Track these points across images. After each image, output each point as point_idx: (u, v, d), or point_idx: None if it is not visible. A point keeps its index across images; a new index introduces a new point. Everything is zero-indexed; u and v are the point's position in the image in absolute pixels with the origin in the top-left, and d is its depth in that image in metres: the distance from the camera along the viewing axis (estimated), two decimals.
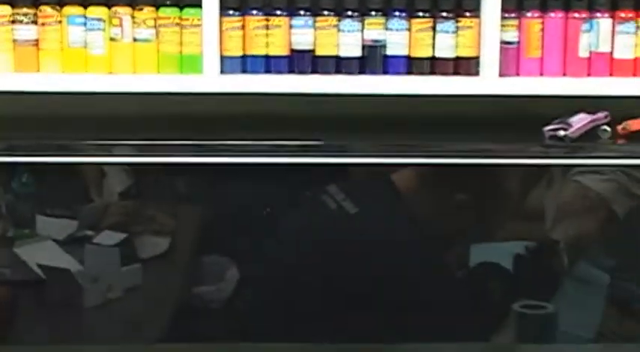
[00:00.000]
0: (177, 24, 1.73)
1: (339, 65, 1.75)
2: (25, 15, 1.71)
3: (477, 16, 1.76)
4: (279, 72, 1.75)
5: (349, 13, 1.75)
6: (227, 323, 1.84)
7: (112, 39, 1.72)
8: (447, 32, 1.72)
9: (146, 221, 1.82)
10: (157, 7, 1.75)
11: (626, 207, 1.84)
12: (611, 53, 1.80)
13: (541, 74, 1.82)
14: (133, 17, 1.73)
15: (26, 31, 1.72)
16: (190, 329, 1.83)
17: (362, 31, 1.73)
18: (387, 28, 1.73)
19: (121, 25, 1.72)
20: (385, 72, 1.76)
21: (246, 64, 1.74)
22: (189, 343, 1.87)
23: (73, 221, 1.75)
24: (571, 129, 1.75)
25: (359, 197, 1.78)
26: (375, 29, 1.73)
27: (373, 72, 1.75)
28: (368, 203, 1.78)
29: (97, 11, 1.72)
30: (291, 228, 1.80)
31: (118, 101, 1.78)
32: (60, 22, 1.73)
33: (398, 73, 1.75)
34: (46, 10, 1.72)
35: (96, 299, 1.77)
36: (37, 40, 1.72)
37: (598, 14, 1.77)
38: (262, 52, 1.73)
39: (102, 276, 1.79)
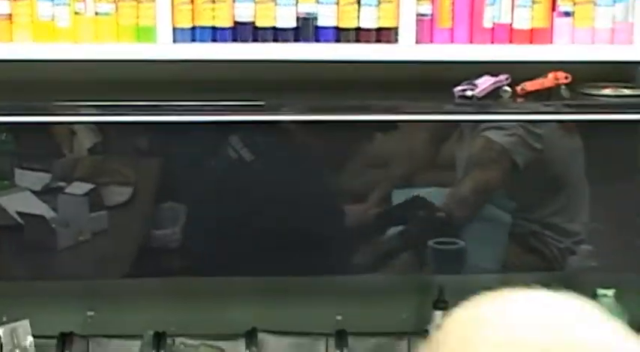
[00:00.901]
0: None
1: (276, 35, 1.87)
2: None
3: None
4: (224, 41, 1.87)
5: None
6: (181, 260, 2.02)
7: (76, 13, 1.83)
8: (370, 5, 1.86)
9: (111, 173, 1.96)
10: None
11: (525, 157, 2.01)
12: (511, 24, 1.93)
13: (451, 42, 1.94)
14: None
15: (0, 7, 1.83)
16: (150, 266, 2.01)
17: (296, 4, 1.86)
18: (318, 2, 1.86)
19: (84, 1, 1.83)
20: (317, 40, 1.88)
21: (195, 34, 1.86)
22: (149, 278, 2.05)
23: (47, 174, 1.90)
24: (477, 90, 1.90)
25: (292, 150, 1.95)
26: (307, 3, 1.86)
27: (306, 40, 1.87)
28: (299, 153, 1.96)
29: None
30: (230, 177, 1.95)
31: (83, 68, 1.90)
32: None
33: (328, 41, 1.88)
34: None
35: (68, 241, 1.92)
36: (10, 14, 1.83)
37: None
38: (209, 23, 1.86)
39: (73, 222, 1.94)
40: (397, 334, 2.05)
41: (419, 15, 1.91)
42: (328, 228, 2.03)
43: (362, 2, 1.89)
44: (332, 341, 2.00)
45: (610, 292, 2.12)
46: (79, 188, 1.91)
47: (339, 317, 2.02)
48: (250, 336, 2.04)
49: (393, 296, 2.05)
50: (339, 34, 1.91)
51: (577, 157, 2.09)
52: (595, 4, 1.96)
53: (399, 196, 2.05)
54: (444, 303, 1.95)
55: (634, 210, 2.12)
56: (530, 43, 1.97)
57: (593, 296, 2.06)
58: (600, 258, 2.15)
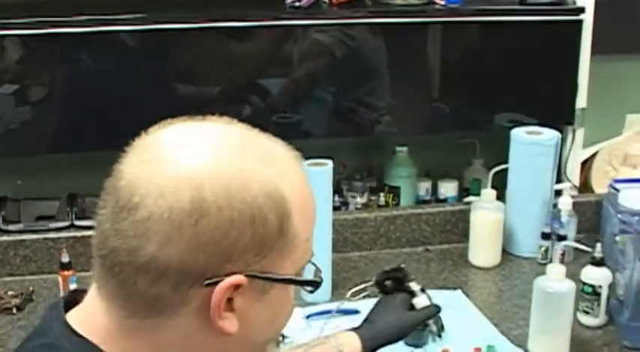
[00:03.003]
0: None
1: None
2: None
3: None
4: None
5: None
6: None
7: None
8: None
9: (32, 77, 2.20)
10: None
11: (342, 51, 2.35)
12: None
13: None
14: None
15: None
16: (60, 143, 2.25)
17: None
18: None
19: None
20: None
21: None
22: (63, 152, 2.28)
23: None
24: (303, 1, 2.25)
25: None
26: None
27: None
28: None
29: None
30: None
31: None
32: None
33: None
34: None
35: (1, 128, 2.18)
36: None
37: None
38: None
39: (5, 115, 2.20)
40: None
41: None
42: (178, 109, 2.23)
43: None
44: None
45: (404, 149, 2.53)
46: (9, 88, 2.16)
47: None
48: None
49: None
50: None
51: (380, 51, 2.39)
52: None
53: (248, 86, 2.34)
54: None
55: (421, 91, 2.50)
56: None
57: (393, 152, 2.53)
58: (398, 125, 2.49)
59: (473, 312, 2.12)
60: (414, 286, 1.77)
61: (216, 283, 0.88)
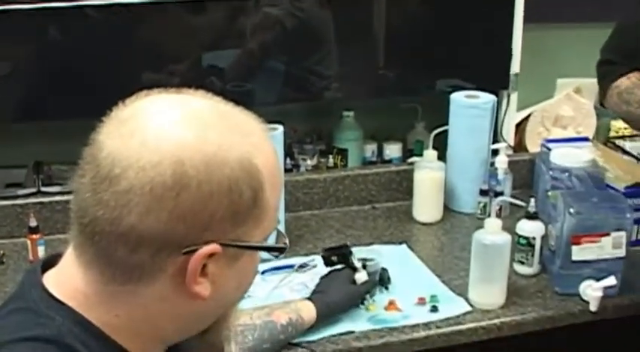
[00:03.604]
0: None
1: None
2: None
3: None
4: None
5: None
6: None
7: None
8: None
9: (9, 58, 2.27)
10: None
11: (292, 23, 2.41)
12: None
13: None
14: None
15: None
16: (23, 111, 2.27)
17: None
18: None
19: None
20: None
21: None
22: (27, 121, 2.31)
23: None
24: None
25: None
26: None
27: None
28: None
29: None
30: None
31: None
32: None
33: None
34: None
35: None
36: None
37: None
38: None
39: None
40: None
41: None
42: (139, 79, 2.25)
43: None
44: None
45: (351, 113, 2.60)
46: None
47: None
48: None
49: None
50: None
51: (328, 22, 2.46)
52: None
53: (204, 57, 2.38)
54: None
55: (367, 59, 2.57)
56: None
57: (340, 117, 2.62)
58: (345, 91, 2.57)
59: (417, 265, 2.20)
60: (356, 263, 1.94)
61: (194, 251, 0.91)
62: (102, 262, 0.93)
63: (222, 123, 0.94)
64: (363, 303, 1.95)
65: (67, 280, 0.97)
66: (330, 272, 1.93)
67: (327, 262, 1.95)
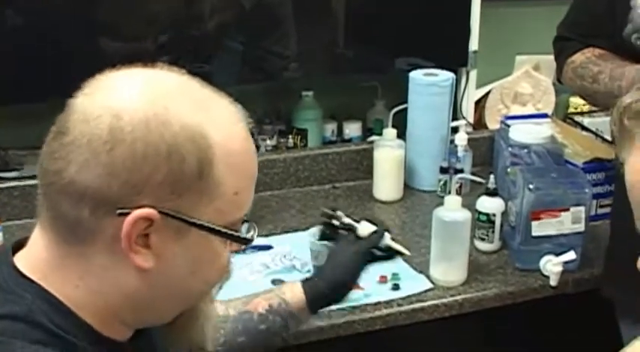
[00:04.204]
0: None
1: None
2: None
3: None
4: None
5: None
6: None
7: None
8: None
9: None
10: None
11: (250, 3, 2.44)
12: None
13: None
14: None
15: None
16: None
17: None
18: None
19: None
20: None
21: None
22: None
23: None
24: None
25: None
26: None
27: None
28: None
29: None
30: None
31: None
32: None
33: None
34: None
35: None
36: None
37: None
38: None
39: None
40: None
41: None
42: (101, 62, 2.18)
43: None
44: None
45: (310, 93, 2.60)
46: None
47: None
48: None
49: None
50: None
51: (286, 1, 2.46)
52: None
53: (164, 39, 2.38)
54: None
55: (326, 38, 2.59)
56: None
57: (300, 97, 2.62)
58: (304, 71, 2.58)
59: None
60: (347, 220, 1.70)
61: (128, 214, 0.91)
62: (52, 217, 0.95)
63: (183, 95, 0.95)
64: (376, 260, 1.69)
65: (33, 252, 1.00)
66: (331, 251, 1.69)
67: (325, 238, 1.79)
